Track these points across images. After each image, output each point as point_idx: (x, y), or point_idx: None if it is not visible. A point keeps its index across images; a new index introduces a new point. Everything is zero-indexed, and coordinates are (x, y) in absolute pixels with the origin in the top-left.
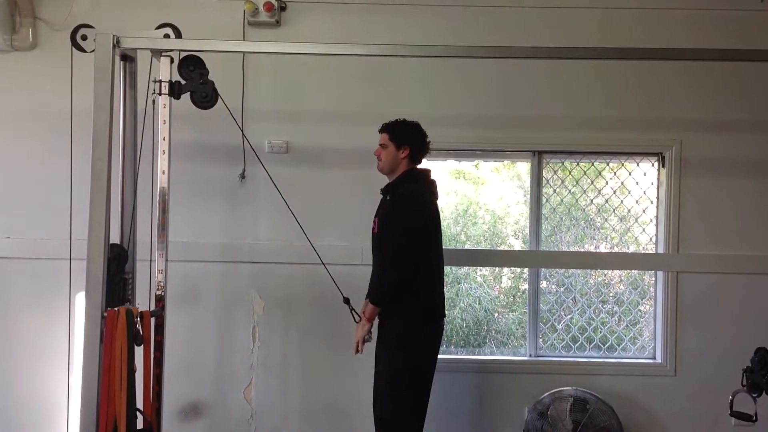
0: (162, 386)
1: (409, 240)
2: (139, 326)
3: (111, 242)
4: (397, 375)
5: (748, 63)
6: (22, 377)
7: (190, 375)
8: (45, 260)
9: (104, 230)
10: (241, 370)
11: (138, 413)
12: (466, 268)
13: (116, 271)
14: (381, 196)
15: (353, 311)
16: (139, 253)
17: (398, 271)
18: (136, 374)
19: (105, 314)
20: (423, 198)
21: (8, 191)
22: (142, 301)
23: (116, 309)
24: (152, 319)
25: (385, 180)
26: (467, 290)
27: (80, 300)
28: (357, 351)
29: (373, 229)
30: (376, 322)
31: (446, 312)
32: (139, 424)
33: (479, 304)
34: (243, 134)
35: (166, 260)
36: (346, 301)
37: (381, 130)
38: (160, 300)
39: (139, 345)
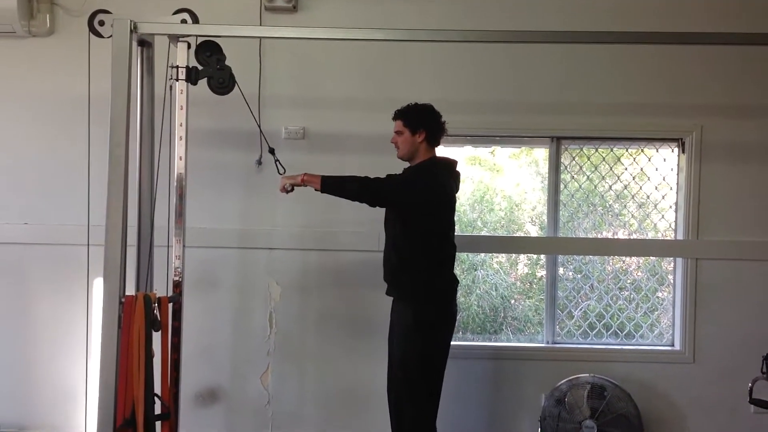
0: (180, 371)
1: (409, 196)
2: (156, 312)
3: None
4: (410, 360)
5: None
6: (41, 362)
7: (208, 360)
8: (63, 246)
9: (122, 216)
10: (258, 356)
11: (156, 398)
12: (482, 255)
13: None
14: None
15: (278, 162)
16: (156, 238)
17: (372, 194)
18: (154, 359)
19: (123, 300)
20: (442, 179)
21: (26, 177)
22: (160, 287)
23: (134, 295)
24: (170, 305)
25: (404, 164)
26: (483, 277)
27: (98, 285)
28: (282, 190)
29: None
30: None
31: (462, 298)
32: (157, 409)
33: (495, 290)
34: (257, 121)
35: (184, 246)
36: (271, 151)
37: (394, 117)
38: (178, 286)
39: (156, 330)
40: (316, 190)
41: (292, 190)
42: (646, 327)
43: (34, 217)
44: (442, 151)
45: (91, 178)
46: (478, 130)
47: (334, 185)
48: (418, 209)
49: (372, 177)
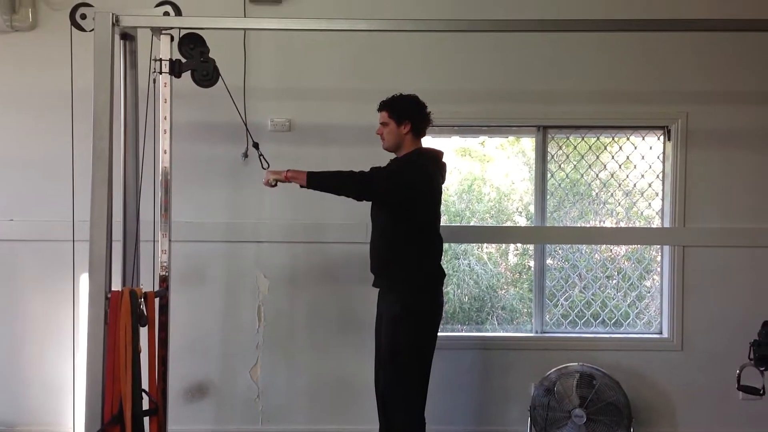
0: (167, 367)
1: (396, 191)
2: (143, 307)
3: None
4: (398, 349)
5: (755, 33)
6: (28, 359)
7: (196, 355)
8: (48, 242)
9: (106, 211)
10: (247, 349)
11: (143, 394)
12: (470, 245)
13: None
14: None
15: (261, 156)
16: (142, 233)
17: (359, 189)
18: (142, 355)
19: (109, 295)
20: (429, 170)
21: (10, 173)
22: (147, 282)
23: (120, 290)
24: (156, 300)
25: (389, 155)
26: (470, 266)
27: (84, 281)
28: (267, 184)
29: None
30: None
31: (449, 288)
32: (145, 405)
33: (482, 280)
34: (242, 114)
35: (170, 240)
36: (255, 145)
37: (379, 109)
38: (164, 280)
39: (143, 326)
40: (301, 186)
41: (276, 185)
42: (634, 315)
43: (19, 214)
44: (429, 142)
45: (76, 173)
46: (464, 119)
47: (319, 180)
48: (405, 203)
49: (358, 171)
